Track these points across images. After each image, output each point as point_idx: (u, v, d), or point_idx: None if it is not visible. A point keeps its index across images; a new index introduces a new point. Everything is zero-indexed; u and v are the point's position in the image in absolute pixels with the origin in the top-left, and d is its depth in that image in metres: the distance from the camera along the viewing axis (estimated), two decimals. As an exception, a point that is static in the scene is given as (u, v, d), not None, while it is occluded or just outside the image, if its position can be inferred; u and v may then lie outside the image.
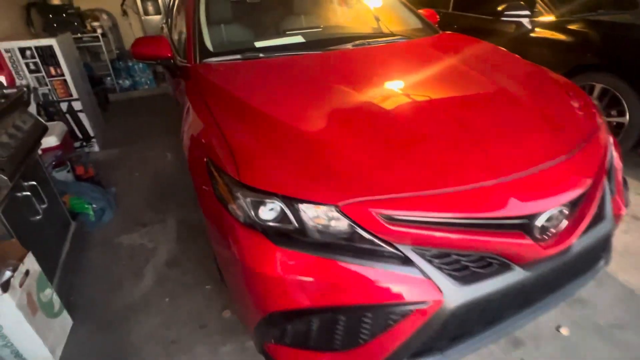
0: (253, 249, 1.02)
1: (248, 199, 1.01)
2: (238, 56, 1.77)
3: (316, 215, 0.98)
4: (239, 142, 1.13)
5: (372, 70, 1.65)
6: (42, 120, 1.83)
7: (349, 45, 1.91)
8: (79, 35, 4.52)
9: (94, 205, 2.34)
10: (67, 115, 3.13)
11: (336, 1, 2.65)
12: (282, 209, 1.00)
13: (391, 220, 0.94)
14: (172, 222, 2.29)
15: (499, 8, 2.97)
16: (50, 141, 2.69)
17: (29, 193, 1.61)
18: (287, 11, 2.48)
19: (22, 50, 2.83)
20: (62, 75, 2.98)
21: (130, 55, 5.23)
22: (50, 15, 4.24)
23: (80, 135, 3.24)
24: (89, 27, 4.68)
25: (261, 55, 1.77)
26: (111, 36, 5.24)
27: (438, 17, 2.56)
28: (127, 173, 2.96)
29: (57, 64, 2.94)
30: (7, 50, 2.79)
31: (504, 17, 2.93)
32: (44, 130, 1.84)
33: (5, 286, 1.25)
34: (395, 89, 1.50)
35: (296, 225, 0.99)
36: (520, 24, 2.92)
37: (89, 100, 3.42)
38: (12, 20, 3.56)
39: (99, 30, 4.73)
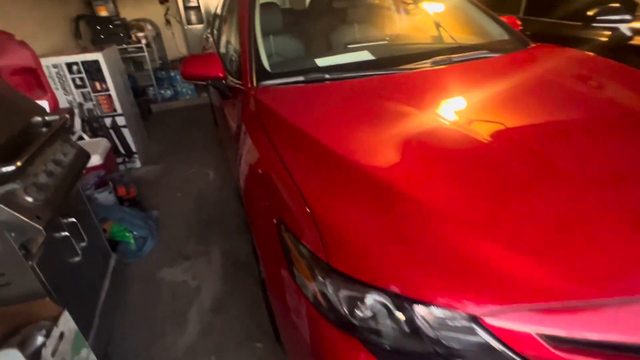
0: (340, 356, 0.75)
1: (341, 293, 0.74)
2: (300, 78, 1.52)
3: (437, 321, 0.69)
4: (325, 207, 0.85)
5: (472, 98, 1.34)
6: (84, 148, 1.67)
7: (427, 63, 1.61)
8: (124, 46, 4.51)
9: (136, 233, 2.18)
10: (111, 131, 3.04)
11: (399, 7, 2.35)
12: (387, 309, 0.72)
13: (561, 342, 0.64)
14: (217, 255, 2.08)
15: (590, 13, 2.55)
16: (93, 160, 2.58)
17: (67, 233, 1.43)
18: (345, 20, 2.21)
19: (69, 66, 2.75)
20: (107, 90, 2.89)
21: (172, 66, 5.22)
22: (98, 27, 4.24)
23: (122, 151, 3.15)
24: (134, 38, 4.67)
25: (327, 76, 1.52)
26: (154, 46, 5.23)
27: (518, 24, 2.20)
28: (169, 193, 2.80)
29: (102, 79, 2.84)
30: (54, 66, 2.72)
31: (595, 23, 2.51)
32: (86, 159, 1.68)
33: (36, 358, 1.06)
34: (516, 129, 1.14)
35: (407, 331, 0.71)
36: (616, 30, 2.49)
37: (133, 115, 3.33)
38: (61, 32, 3.56)
39: (144, 41, 4.71)
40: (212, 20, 3.47)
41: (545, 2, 3.12)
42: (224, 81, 1.70)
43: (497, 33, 1.95)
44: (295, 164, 1.02)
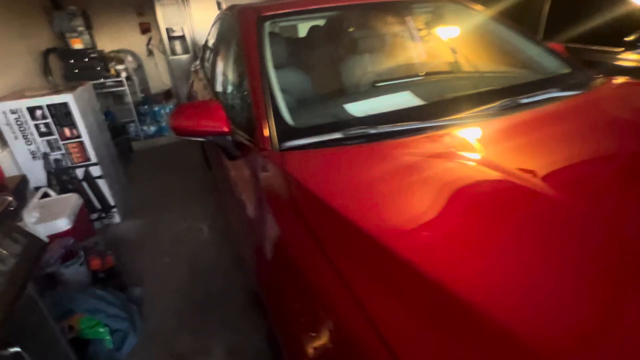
0: None
1: None
2: (337, 134, 1.12)
3: None
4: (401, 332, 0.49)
5: (571, 166, 0.97)
6: (38, 236, 1.22)
7: (491, 109, 1.24)
8: (101, 80, 4.08)
9: (113, 327, 1.69)
10: (84, 183, 2.56)
11: (425, 34, 2.02)
12: None
13: None
14: (220, 355, 1.61)
15: (630, 38, 2.29)
16: (59, 225, 2.10)
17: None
18: (363, 50, 1.85)
19: (32, 110, 2.30)
20: (79, 137, 2.44)
21: (156, 99, 4.79)
22: (71, 61, 3.82)
23: (98, 206, 2.66)
24: (112, 71, 4.25)
25: (372, 131, 1.13)
26: (136, 78, 4.82)
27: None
28: (155, 259, 2.32)
29: (72, 124, 2.40)
30: (13, 111, 2.27)
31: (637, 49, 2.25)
32: (41, 250, 1.22)
33: None
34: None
35: None
36: (662, 56, 2.23)
37: (110, 162, 2.86)
38: (26, 69, 3.11)
39: (124, 74, 4.29)
40: (202, 52, 3.10)
41: (566, 25, 2.89)
42: (229, 137, 1.29)
43: (552, 65, 1.62)
44: (352, 270, 0.65)
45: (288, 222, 0.90)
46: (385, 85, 1.60)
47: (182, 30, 4.88)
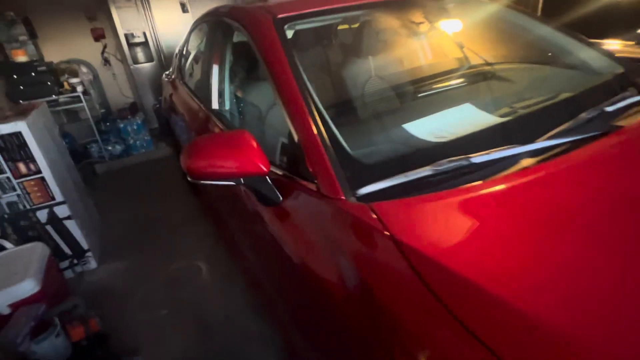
0: None
1: None
2: (426, 171, 0.85)
3: None
4: None
5: None
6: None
7: (575, 121, 1.03)
8: (53, 97, 3.53)
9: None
10: (48, 227, 2.11)
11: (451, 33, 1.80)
12: None
13: None
14: None
15: (643, 29, 2.22)
16: (24, 289, 1.68)
17: None
18: (390, 50, 1.59)
19: (-27, 145, 1.83)
20: (38, 172, 1.99)
21: (119, 114, 4.27)
22: (15, 77, 3.25)
23: (69, 252, 2.21)
24: (66, 85, 3.70)
25: (473, 162, 0.87)
26: (93, 92, 4.26)
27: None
28: (150, 312, 1.94)
29: (29, 157, 1.94)
30: (-53, 148, 1.79)
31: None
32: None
33: None
34: None
35: None
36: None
37: (79, 198, 2.41)
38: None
39: (79, 88, 3.75)
40: (178, 61, 2.71)
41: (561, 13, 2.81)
42: (266, 178, 0.99)
43: (603, 65, 1.45)
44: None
45: (410, 298, 0.63)
46: (429, 95, 1.36)
47: (144, 35, 4.39)
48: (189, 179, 1.01)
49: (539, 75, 1.55)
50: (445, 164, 0.86)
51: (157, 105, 4.27)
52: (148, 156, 4.15)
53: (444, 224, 0.73)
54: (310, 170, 0.92)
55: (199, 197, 2.73)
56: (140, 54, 4.49)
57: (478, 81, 1.48)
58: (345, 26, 1.96)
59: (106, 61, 4.80)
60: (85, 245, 2.24)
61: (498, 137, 0.99)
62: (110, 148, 4.01)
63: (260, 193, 1.02)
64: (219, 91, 1.76)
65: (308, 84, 1.06)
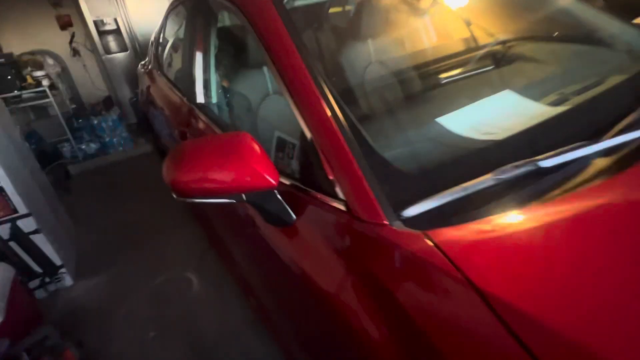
0: None
1: None
2: (487, 182, 0.66)
3: None
4: None
5: None
6: None
7: None
8: (15, 92, 3.18)
9: None
10: (12, 244, 1.84)
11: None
12: None
13: None
14: None
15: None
16: (-17, 322, 1.43)
17: None
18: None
19: None
20: (-5, 181, 1.71)
21: (92, 110, 3.93)
22: (-32, 71, 2.90)
23: (38, 270, 1.95)
24: (29, 79, 3.34)
25: (542, 165, 0.68)
26: (62, 86, 3.91)
27: None
28: (136, 333, 1.72)
29: (-18, 165, 1.67)
30: None
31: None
32: None
33: None
34: None
35: None
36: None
37: (48, 207, 2.14)
38: None
39: (46, 82, 3.40)
40: (154, 49, 2.42)
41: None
42: (275, 193, 0.78)
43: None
44: None
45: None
46: (455, 80, 1.16)
47: (116, 22, 4.02)
48: (174, 196, 0.79)
49: (572, 55, 1.37)
50: (510, 171, 0.67)
51: (135, 99, 3.94)
52: (126, 154, 3.84)
53: (537, 260, 0.54)
54: (334, 182, 0.71)
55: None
56: (112, 42, 4.12)
57: (506, 62, 1.29)
58: (338, 9, 1.74)
59: (75, 51, 4.42)
60: (57, 261, 1.98)
61: (560, 131, 0.80)
62: (84, 147, 3.69)
63: (267, 211, 0.81)
64: (204, 82, 1.52)
65: (321, 71, 0.85)
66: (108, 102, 4.00)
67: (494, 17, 1.45)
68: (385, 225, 0.61)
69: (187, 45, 1.67)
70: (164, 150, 2.45)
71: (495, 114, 0.92)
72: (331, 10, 1.74)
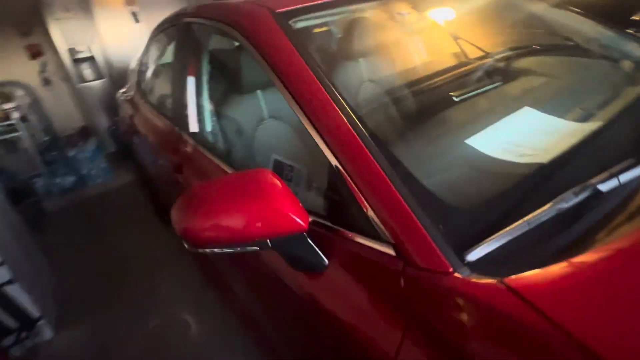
0: None
1: None
2: (549, 213, 0.59)
3: None
4: None
5: None
6: None
7: None
8: (-18, 127, 2.98)
9: None
10: (-17, 299, 1.64)
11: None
12: None
13: None
14: None
15: (637, 17, 2.14)
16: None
17: None
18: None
19: None
20: (-38, 230, 1.53)
21: (68, 141, 3.72)
22: None
23: (13, 325, 1.74)
24: (-2, 113, 3.14)
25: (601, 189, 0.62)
26: (33, 117, 3.70)
27: None
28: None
29: (-53, 212, 1.48)
30: None
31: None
32: None
33: None
34: None
35: None
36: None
37: (22, 253, 1.94)
38: None
39: (15, 115, 3.20)
40: (137, 75, 2.30)
41: None
42: (305, 236, 0.69)
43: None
44: None
45: None
46: (467, 99, 1.11)
47: (90, 50, 3.88)
48: (186, 246, 0.69)
49: (576, 68, 1.36)
50: (570, 198, 0.60)
51: (113, 127, 3.77)
52: (106, 186, 3.63)
53: (630, 300, 0.47)
54: (373, 221, 0.63)
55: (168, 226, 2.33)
56: (87, 71, 3.96)
57: (512, 78, 1.26)
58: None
59: (46, 81, 4.22)
60: (35, 313, 1.78)
61: (605, 149, 0.75)
62: (59, 181, 3.47)
63: (295, 256, 0.71)
64: (197, 109, 1.42)
65: (341, 92, 0.77)
66: (84, 132, 3.81)
67: (492, 31, 1.43)
68: (450, 273, 0.52)
69: (177, 72, 1.58)
70: (148, 180, 2.31)
71: (523, 133, 0.86)
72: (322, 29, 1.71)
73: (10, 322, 1.73)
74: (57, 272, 2.34)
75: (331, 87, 0.78)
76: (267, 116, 1.50)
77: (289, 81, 0.83)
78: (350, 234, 0.67)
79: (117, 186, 3.63)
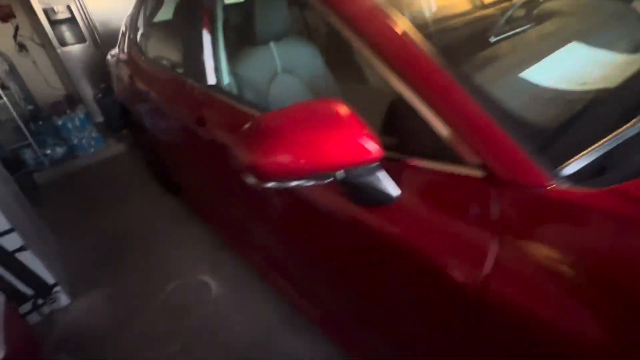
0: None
1: None
2: (634, 129, 0.59)
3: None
4: None
5: None
6: None
7: None
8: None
9: None
10: (-4, 267, 1.59)
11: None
12: None
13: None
14: None
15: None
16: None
17: None
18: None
19: None
20: (-33, 195, 1.44)
21: (52, 110, 3.53)
22: None
23: (29, 292, 1.70)
24: (-25, 80, 2.92)
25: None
26: (13, 85, 3.47)
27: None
28: (156, 349, 1.55)
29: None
30: None
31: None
32: None
33: None
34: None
35: None
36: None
37: (28, 219, 1.87)
38: None
39: (-5, 81, 2.99)
40: (132, 32, 2.15)
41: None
42: (380, 166, 0.67)
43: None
44: None
45: None
46: (503, 39, 1.08)
47: (69, 10, 3.61)
48: (252, 181, 0.66)
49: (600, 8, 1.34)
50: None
51: (100, 95, 3.58)
52: (98, 156, 3.50)
53: None
54: (453, 145, 0.61)
55: (183, 196, 2.29)
56: (67, 33, 3.71)
57: (545, 19, 1.23)
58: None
59: (21, 47, 3.93)
60: (50, 279, 1.74)
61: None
62: (49, 152, 3.31)
63: (365, 189, 0.69)
64: (215, 63, 1.35)
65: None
66: (71, 100, 3.61)
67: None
68: (550, 186, 0.52)
69: (188, 25, 1.47)
70: (151, 145, 2.22)
71: (579, 65, 0.85)
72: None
73: (26, 290, 1.68)
74: (63, 242, 2.28)
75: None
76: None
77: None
78: (422, 162, 0.66)
79: (109, 156, 3.50)
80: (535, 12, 1.33)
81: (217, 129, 1.25)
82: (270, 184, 0.66)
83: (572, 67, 0.86)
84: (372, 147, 0.62)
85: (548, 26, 1.14)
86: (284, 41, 1.55)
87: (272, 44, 1.54)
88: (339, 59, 1.59)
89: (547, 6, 1.34)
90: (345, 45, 0.77)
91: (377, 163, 0.65)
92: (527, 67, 0.86)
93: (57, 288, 1.78)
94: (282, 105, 1.19)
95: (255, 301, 1.67)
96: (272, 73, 1.57)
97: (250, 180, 0.67)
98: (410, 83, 0.65)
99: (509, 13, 1.10)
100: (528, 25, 1.16)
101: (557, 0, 1.39)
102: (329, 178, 0.66)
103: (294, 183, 0.66)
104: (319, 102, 0.65)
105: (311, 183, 0.66)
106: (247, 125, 0.67)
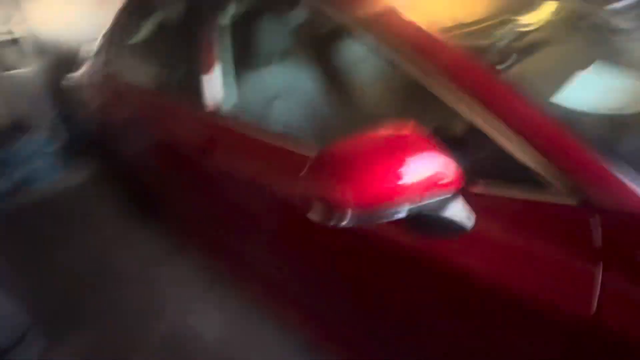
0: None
1: None
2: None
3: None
4: None
5: None
6: None
7: None
8: None
9: None
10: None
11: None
12: None
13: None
14: None
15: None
16: None
17: None
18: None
19: None
20: None
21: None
22: None
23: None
24: None
25: None
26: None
27: None
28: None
29: None
30: None
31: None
32: None
33: None
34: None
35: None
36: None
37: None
38: None
39: None
40: (109, 51, 1.98)
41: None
42: (459, 195, 0.66)
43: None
44: None
45: None
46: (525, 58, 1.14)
47: (11, 31, 3.27)
48: (321, 217, 0.62)
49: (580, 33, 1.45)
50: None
51: (57, 121, 3.27)
52: (56, 187, 3.15)
53: None
54: (551, 173, 0.60)
55: (171, 225, 2.10)
56: (11, 56, 3.35)
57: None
58: None
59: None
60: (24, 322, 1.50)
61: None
62: (-4, 185, 2.93)
63: (440, 220, 0.67)
64: (223, 84, 1.29)
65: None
66: (20, 126, 3.25)
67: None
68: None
69: (186, 44, 1.40)
70: (130, 171, 2.06)
71: (604, 91, 0.90)
72: None
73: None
74: (30, 281, 2.00)
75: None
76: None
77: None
78: (502, 190, 0.66)
79: (68, 185, 3.17)
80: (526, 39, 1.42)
81: (226, 157, 1.18)
82: (345, 221, 0.62)
83: (603, 92, 0.91)
84: (453, 175, 0.61)
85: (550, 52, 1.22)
86: (285, 63, 1.52)
87: (272, 67, 1.51)
88: (341, 82, 1.59)
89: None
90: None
91: (457, 192, 0.64)
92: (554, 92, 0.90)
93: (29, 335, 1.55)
94: (284, 128, 1.16)
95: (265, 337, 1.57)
96: (273, 96, 1.53)
97: (319, 217, 0.63)
98: (495, 113, 0.65)
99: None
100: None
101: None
102: (407, 210, 0.64)
103: (379, 218, 0.62)
104: (392, 127, 0.64)
105: (400, 215, 0.62)
106: (315, 156, 0.64)
